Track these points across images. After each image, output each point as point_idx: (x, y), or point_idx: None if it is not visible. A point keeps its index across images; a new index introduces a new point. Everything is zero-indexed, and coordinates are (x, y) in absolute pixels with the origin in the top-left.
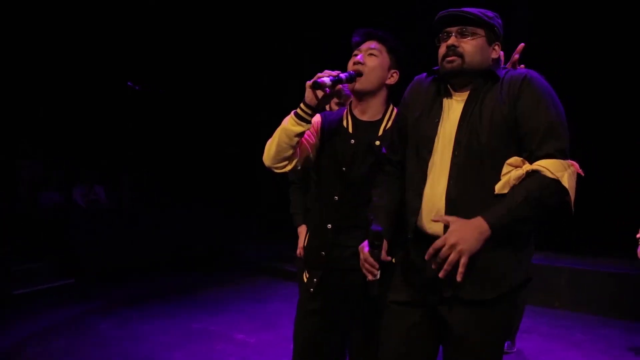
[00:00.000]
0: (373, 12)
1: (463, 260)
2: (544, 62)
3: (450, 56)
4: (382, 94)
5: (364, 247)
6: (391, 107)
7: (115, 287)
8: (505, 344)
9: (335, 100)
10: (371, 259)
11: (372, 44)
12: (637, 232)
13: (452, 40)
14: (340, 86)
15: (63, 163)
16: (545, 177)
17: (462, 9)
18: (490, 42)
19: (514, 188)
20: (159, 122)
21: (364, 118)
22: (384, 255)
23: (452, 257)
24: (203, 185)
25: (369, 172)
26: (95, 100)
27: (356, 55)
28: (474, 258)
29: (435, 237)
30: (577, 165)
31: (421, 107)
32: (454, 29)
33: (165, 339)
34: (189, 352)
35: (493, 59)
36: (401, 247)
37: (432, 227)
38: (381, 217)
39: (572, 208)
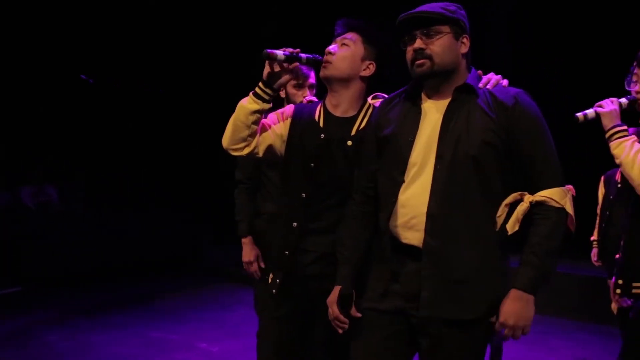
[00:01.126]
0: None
1: (527, 330)
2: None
3: (419, 59)
4: (356, 86)
5: (333, 303)
6: (367, 104)
7: (66, 296)
8: None
9: (292, 82)
10: (342, 317)
11: (349, 34)
12: (592, 235)
13: (418, 44)
14: (298, 65)
15: (10, 160)
16: (551, 208)
17: (423, 8)
18: (457, 37)
19: (531, 241)
20: (118, 118)
21: (337, 113)
22: (354, 311)
23: (517, 335)
24: (163, 187)
25: (339, 172)
26: (46, 93)
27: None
28: (454, 275)
29: (411, 247)
30: (572, 188)
31: (392, 125)
32: (418, 30)
33: (121, 350)
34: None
35: (463, 54)
36: (377, 253)
37: (408, 236)
38: (348, 274)
39: (573, 230)
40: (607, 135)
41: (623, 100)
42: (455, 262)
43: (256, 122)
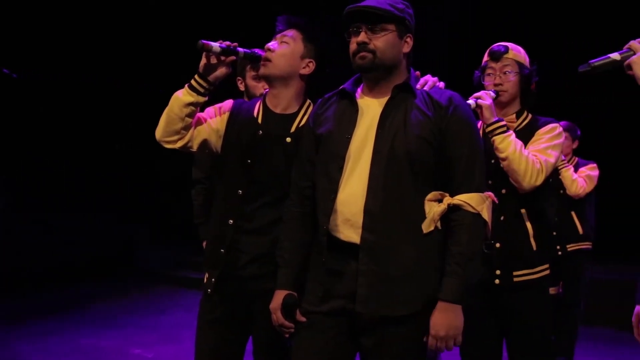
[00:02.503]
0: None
1: (458, 340)
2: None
3: (362, 52)
4: (296, 85)
5: (276, 309)
6: (308, 102)
7: None
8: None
9: (252, 74)
10: (287, 323)
11: (289, 31)
12: None
13: (362, 37)
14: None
15: None
16: (467, 213)
17: (371, 3)
18: (401, 35)
19: (452, 251)
20: (41, 114)
21: (277, 110)
22: (298, 315)
23: (449, 345)
24: (94, 188)
25: (277, 169)
26: None
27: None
28: (391, 271)
29: (349, 244)
30: (492, 195)
31: (330, 123)
32: (363, 24)
33: (49, 359)
34: None
35: (405, 53)
36: (316, 253)
37: (347, 234)
38: (289, 277)
39: (488, 237)
40: (490, 128)
41: (492, 94)
42: (392, 257)
43: (190, 115)
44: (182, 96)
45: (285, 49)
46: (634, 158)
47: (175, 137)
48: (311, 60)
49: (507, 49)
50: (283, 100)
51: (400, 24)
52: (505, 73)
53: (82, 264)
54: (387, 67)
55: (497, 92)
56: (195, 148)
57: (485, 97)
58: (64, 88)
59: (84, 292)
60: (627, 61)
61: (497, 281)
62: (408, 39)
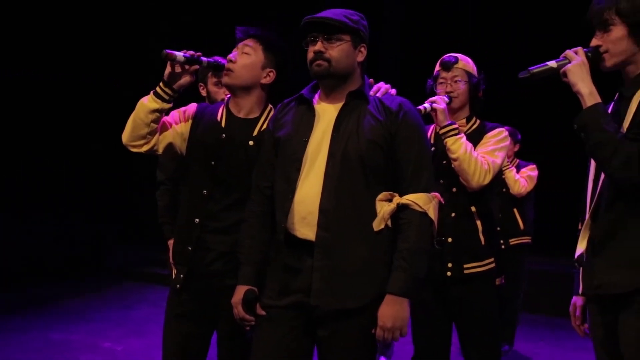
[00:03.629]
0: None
1: (404, 331)
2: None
3: (318, 61)
4: (257, 93)
5: (238, 303)
6: (269, 107)
7: None
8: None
9: (213, 80)
10: (247, 316)
11: (249, 41)
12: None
13: (318, 46)
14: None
15: None
16: (414, 212)
17: (327, 14)
18: (355, 45)
19: (399, 247)
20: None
21: (240, 115)
22: (258, 309)
23: (395, 336)
24: (62, 188)
25: (240, 171)
26: None
27: (233, 52)
28: (343, 267)
29: (305, 242)
30: (438, 195)
31: (288, 127)
32: (320, 34)
33: (19, 355)
34: None
35: (359, 62)
36: (275, 251)
37: (303, 231)
38: (250, 273)
39: (435, 234)
40: (443, 131)
41: (446, 99)
42: (344, 254)
43: (156, 121)
44: (148, 103)
45: (246, 59)
46: (569, 160)
47: (141, 142)
48: (272, 69)
49: (457, 60)
50: (245, 107)
51: (355, 35)
52: (455, 81)
53: (53, 263)
54: (342, 75)
55: (450, 97)
56: (160, 151)
57: (439, 102)
58: (34, 87)
59: (54, 289)
60: (562, 69)
61: (448, 273)
62: (362, 49)
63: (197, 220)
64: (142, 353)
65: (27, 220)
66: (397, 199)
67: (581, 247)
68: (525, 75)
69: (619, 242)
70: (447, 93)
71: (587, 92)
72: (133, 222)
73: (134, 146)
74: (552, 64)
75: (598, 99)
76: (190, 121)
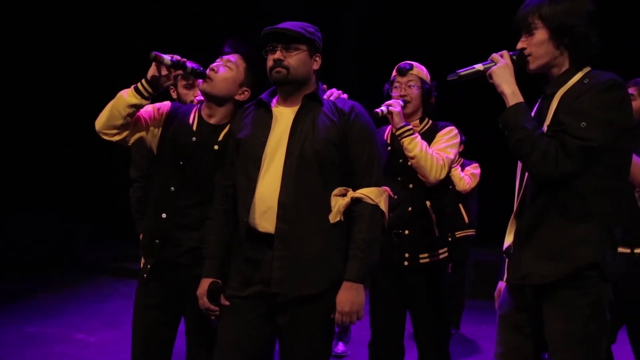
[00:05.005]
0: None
1: (360, 314)
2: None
3: (277, 68)
4: (229, 106)
5: (203, 295)
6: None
7: None
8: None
9: (182, 82)
10: (212, 307)
11: (235, 57)
12: None
13: (278, 55)
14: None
15: None
16: (367, 205)
17: (286, 26)
18: (311, 54)
19: (354, 238)
20: None
21: (210, 121)
22: (223, 300)
23: (353, 320)
24: (37, 186)
25: (206, 172)
26: None
27: (217, 61)
28: (301, 256)
29: (266, 234)
30: (388, 189)
31: (248, 129)
32: (279, 43)
33: None
34: (24, 357)
35: (314, 70)
36: (237, 245)
37: (264, 225)
38: (214, 267)
39: (386, 225)
40: (399, 132)
41: (401, 102)
42: (302, 244)
43: (131, 115)
44: (127, 97)
45: (227, 73)
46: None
47: (114, 131)
48: (247, 89)
49: (412, 66)
50: (216, 115)
51: (311, 45)
52: (409, 86)
53: (28, 259)
54: (299, 82)
55: (405, 101)
56: (130, 143)
57: (395, 105)
58: (7, 85)
59: (29, 285)
60: (488, 71)
61: (405, 263)
62: (317, 58)
63: (165, 215)
64: (113, 343)
65: (2, 217)
66: (351, 194)
67: (509, 240)
68: (454, 77)
69: (542, 235)
70: (401, 97)
71: (510, 92)
72: (107, 219)
73: (106, 134)
74: (479, 66)
75: (520, 99)
76: (163, 119)
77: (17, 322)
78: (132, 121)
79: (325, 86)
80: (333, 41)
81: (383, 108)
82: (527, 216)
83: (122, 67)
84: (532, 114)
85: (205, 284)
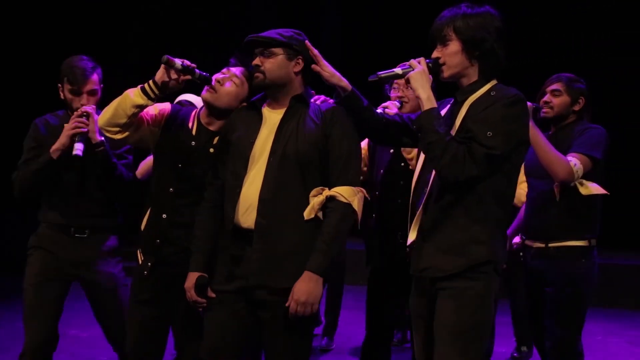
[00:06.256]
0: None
1: (315, 307)
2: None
3: (256, 73)
4: (227, 116)
5: (190, 288)
6: None
7: None
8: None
9: (68, 86)
10: (199, 299)
11: (241, 72)
12: None
13: (256, 61)
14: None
15: None
16: (339, 202)
17: (262, 34)
18: (290, 58)
19: (322, 231)
20: None
21: (209, 127)
22: (209, 292)
23: (307, 311)
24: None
25: (202, 174)
26: None
27: (224, 73)
28: (279, 250)
29: (248, 230)
30: (364, 191)
31: (239, 130)
32: (258, 50)
33: None
34: (17, 353)
35: (296, 72)
36: (222, 241)
37: (246, 221)
38: (201, 261)
39: (358, 226)
40: None
41: (397, 104)
42: (280, 239)
43: (135, 115)
44: (134, 97)
45: (232, 88)
46: None
47: (116, 129)
48: (245, 104)
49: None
50: (214, 124)
51: (288, 48)
52: (408, 87)
53: (20, 256)
54: (278, 85)
55: (401, 102)
56: (130, 142)
57: (391, 107)
58: (6, 87)
59: (21, 281)
60: (406, 76)
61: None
62: (299, 60)
63: (165, 215)
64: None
65: None
66: (326, 192)
67: (412, 236)
68: (374, 78)
69: (444, 231)
70: (399, 98)
71: (425, 97)
72: None
73: (108, 131)
74: (398, 70)
75: (434, 104)
76: (164, 121)
77: (10, 318)
78: (135, 121)
79: (313, 92)
80: (314, 42)
81: (379, 110)
82: (431, 213)
83: (119, 67)
84: (443, 112)
85: (192, 277)
